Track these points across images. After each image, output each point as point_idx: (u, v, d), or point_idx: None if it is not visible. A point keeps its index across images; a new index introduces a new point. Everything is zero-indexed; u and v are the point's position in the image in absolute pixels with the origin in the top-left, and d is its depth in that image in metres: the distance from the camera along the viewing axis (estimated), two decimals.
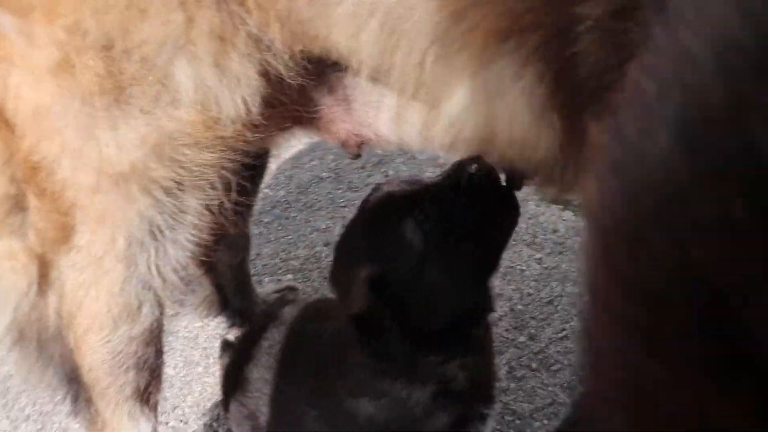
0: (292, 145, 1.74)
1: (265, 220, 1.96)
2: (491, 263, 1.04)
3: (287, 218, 2.00)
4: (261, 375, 1.21)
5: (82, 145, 0.92)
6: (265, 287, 1.71)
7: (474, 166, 0.99)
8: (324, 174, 2.18)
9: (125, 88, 0.91)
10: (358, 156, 1.24)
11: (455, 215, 1.00)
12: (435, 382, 1.04)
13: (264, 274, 1.79)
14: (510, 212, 1.03)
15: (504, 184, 1.02)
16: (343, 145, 1.19)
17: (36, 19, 0.92)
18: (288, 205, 2.04)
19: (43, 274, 0.98)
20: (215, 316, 1.61)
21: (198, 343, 1.62)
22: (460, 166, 1.01)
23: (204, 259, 1.34)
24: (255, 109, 0.92)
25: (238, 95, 0.91)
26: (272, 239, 1.92)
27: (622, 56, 0.71)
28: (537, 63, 0.79)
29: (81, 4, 0.91)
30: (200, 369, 1.62)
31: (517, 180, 1.08)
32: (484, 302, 1.06)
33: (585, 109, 0.80)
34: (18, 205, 0.97)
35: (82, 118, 0.92)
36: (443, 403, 1.04)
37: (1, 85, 0.93)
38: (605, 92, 0.75)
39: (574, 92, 0.79)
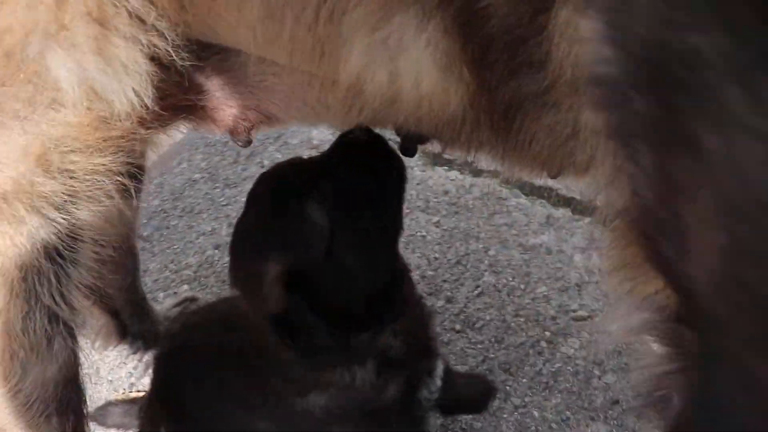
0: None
1: (145, 233, 1.80)
2: (395, 227, 1.03)
3: (168, 227, 1.85)
4: (194, 399, 1.11)
5: None
6: (162, 303, 1.57)
7: (354, 134, 0.98)
8: (196, 175, 2.05)
9: None
10: (249, 143, 1.16)
11: (350, 188, 0.97)
12: (373, 356, 1.02)
13: (158, 290, 1.65)
14: (397, 171, 1.02)
15: (394, 149, 1.01)
16: (232, 133, 1.10)
17: None
18: (166, 214, 1.89)
19: None
20: (114, 347, 1.46)
21: (101, 377, 1.46)
22: (341, 138, 1.00)
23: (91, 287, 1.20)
24: (148, 101, 0.82)
25: (128, 86, 0.80)
26: (157, 252, 1.77)
27: (534, 9, 0.70)
28: (442, 14, 0.75)
29: None
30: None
31: (411, 146, 1.07)
32: (399, 267, 1.06)
33: (497, 62, 0.77)
34: None
35: None
36: (388, 373, 1.03)
37: None
38: (518, 46, 0.74)
39: (485, 46, 0.76)
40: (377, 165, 1.00)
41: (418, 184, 1.86)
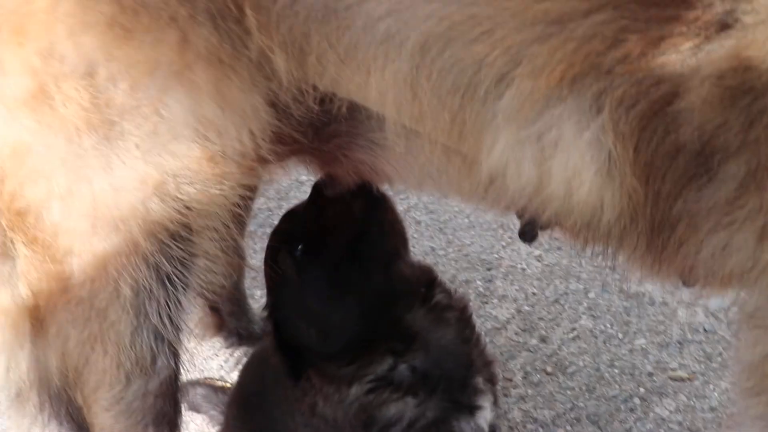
0: None
1: (248, 230, 1.86)
2: (386, 255, 1.08)
3: (270, 226, 1.90)
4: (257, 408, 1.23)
5: (72, 187, 0.82)
6: (259, 302, 1.63)
7: (324, 184, 1.08)
8: (303, 177, 2.09)
9: (117, 121, 0.81)
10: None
11: (323, 234, 1.06)
12: (366, 382, 1.07)
13: (255, 287, 1.70)
14: (374, 209, 1.09)
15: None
16: (334, 178, 1.09)
17: (3, 41, 0.79)
18: (270, 212, 1.95)
19: (39, 330, 0.88)
20: (210, 338, 1.52)
21: (194, 364, 1.53)
22: (315, 188, 1.10)
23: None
24: (263, 143, 0.83)
25: (244, 128, 0.81)
26: (258, 250, 1.82)
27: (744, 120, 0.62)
28: (618, 114, 0.66)
29: (54, 24, 0.79)
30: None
31: (532, 231, 1.02)
32: (396, 297, 1.08)
33: (674, 172, 0.69)
34: (4, 254, 0.87)
35: (70, 158, 0.81)
36: (385, 396, 1.07)
37: None
38: (713, 158, 0.66)
39: (666, 156, 0.68)
40: (352, 207, 1.07)
41: None
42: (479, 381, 1.12)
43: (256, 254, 1.83)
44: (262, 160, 0.85)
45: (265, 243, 1.85)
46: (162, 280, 0.85)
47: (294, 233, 1.10)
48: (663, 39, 0.62)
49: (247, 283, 1.72)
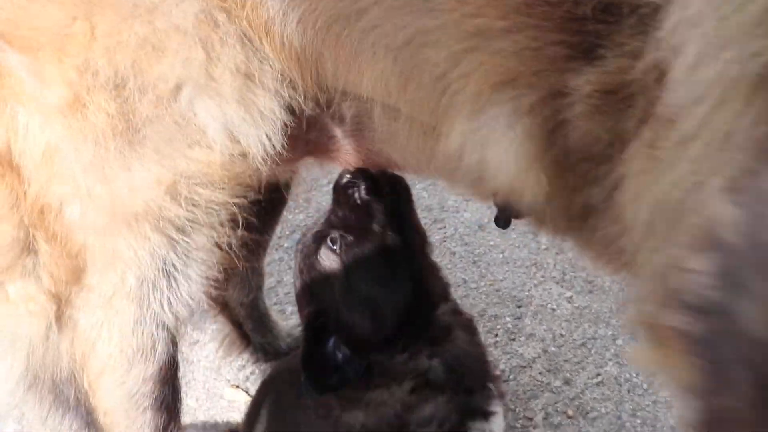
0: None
1: (285, 245, 1.94)
2: (414, 245, 1.13)
3: None
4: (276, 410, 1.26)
5: (94, 186, 0.92)
6: (290, 318, 1.68)
7: (346, 177, 1.14)
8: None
9: (140, 128, 0.90)
10: None
11: (356, 225, 1.11)
12: (411, 377, 1.10)
13: (286, 303, 1.76)
14: (396, 190, 1.14)
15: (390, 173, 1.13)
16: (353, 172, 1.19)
17: (45, 58, 0.90)
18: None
19: (59, 315, 0.97)
20: (238, 354, 1.59)
21: (221, 374, 1.60)
22: (336, 184, 1.16)
23: (216, 297, 1.33)
24: (278, 145, 0.91)
25: (262, 132, 0.90)
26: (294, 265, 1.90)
27: (612, 133, 0.74)
28: (528, 120, 0.80)
29: (91, 43, 0.90)
30: (225, 402, 1.59)
31: (504, 218, 1.07)
32: (429, 287, 1.13)
33: (572, 170, 0.82)
34: (28, 248, 0.96)
35: (95, 160, 0.91)
36: (425, 394, 1.09)
37: (7, 126, 0.91)
38: (592, 163, 0.78)
39: (563, 155, 0.81)
40: (377, 196, 1.12)
41: (557, 253, 1.81)
42: (493, 387, 1.15)
43: (290, 270, 1.90)
44: (272, 163, 0.92)
45: None
46: (166, 271, 0.93)
47: (331, 226, 1.16)
48: (559, 60, 0.75)
49: (280, 298, 1.78)
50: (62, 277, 0.95)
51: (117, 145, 0.91)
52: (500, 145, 0.81)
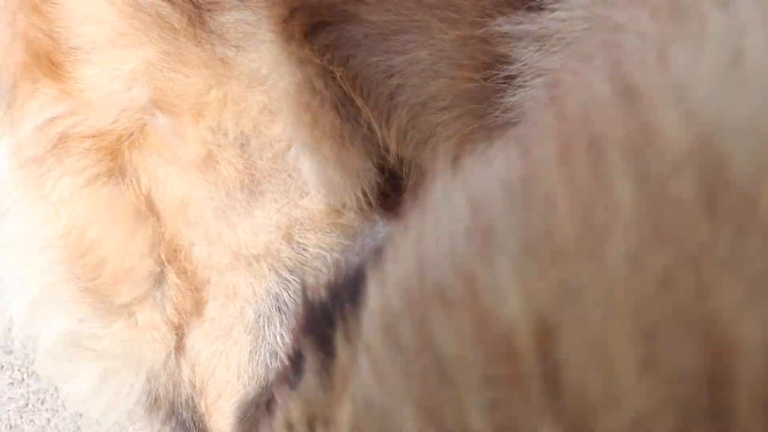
0: None
1: None
2: None
3: None
4: None
5: (221, 231, 1.06)
6: None
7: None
8: None
9: (261, 181, 1.05)
10: None
11: None
12: None
13: None
14: None
15: None
16: None
17: (186, 121, 1.07)
18: None
19: (179, 344, 1.09)
20: None
21: None
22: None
23: None
24: (372, 200, 1.04)
25: (357, 187, 1.03)
26: None
27: None
28: None
29: (223, 108, 1.06)
30: None
31: None
32: None
33: None
34: (160, 281, 1.10)
35: (224, 208, 1.06)
36: None
37: (150, 176, 1.08)
38: None
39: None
40: None
41: None
42: None
43: None
44: (367, 214, 1.06)
45: None
46: (279, 307, 1.05)
47: None
48: None
49: None
50: (186, 308, 1.09)
51: (243, 195, 1.05)
52: None
